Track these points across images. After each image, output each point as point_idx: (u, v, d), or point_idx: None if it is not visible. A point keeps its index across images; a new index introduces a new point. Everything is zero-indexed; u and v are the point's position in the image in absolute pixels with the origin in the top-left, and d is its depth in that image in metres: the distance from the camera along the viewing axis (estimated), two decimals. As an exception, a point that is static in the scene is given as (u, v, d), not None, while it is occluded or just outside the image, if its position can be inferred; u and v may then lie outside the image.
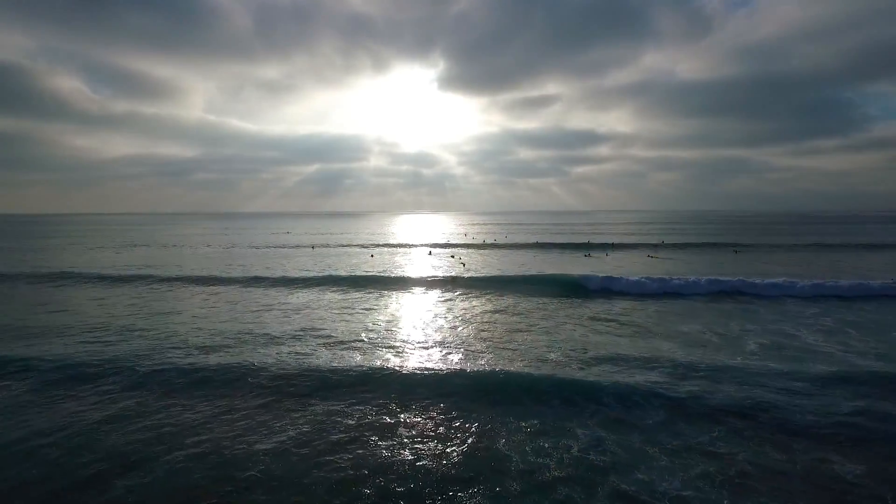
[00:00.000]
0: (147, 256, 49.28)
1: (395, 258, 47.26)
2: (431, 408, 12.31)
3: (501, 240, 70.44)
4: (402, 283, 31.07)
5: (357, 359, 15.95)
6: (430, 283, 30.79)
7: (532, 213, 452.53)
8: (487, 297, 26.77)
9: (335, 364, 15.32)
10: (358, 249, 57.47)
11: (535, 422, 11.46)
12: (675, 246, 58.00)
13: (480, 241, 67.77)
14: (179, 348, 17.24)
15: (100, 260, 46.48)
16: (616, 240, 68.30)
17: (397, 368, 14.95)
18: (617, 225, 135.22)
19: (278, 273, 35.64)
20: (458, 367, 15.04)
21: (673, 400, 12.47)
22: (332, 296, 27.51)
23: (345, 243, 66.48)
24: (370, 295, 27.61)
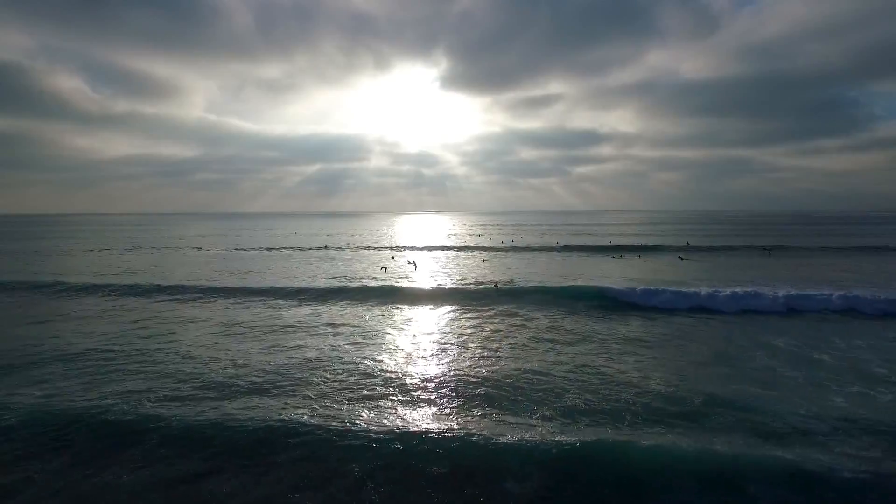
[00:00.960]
0: (152, 261, 46.94)
1: (421, 261, 45.14)
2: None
3: (518, 241, 68.30)
4: (445, 296, 27.65)
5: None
6: (471, 297, 27.46)
7: (535, 213, 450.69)
8: (545, 313, 23.38)
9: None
10: (376, 252, 55.29)
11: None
12: (702, 248, 55.98)
13: (499, 243, 65.79)
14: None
15: (102, 266, 44.40)
16: (638, 241, 66.23)
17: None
18: (630, 225, 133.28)
19: (302, 281, 33.31)
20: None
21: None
22: (374, 311, 25.07)
23: (359, 245, 64.43)
24: (419, 312, 24.29)
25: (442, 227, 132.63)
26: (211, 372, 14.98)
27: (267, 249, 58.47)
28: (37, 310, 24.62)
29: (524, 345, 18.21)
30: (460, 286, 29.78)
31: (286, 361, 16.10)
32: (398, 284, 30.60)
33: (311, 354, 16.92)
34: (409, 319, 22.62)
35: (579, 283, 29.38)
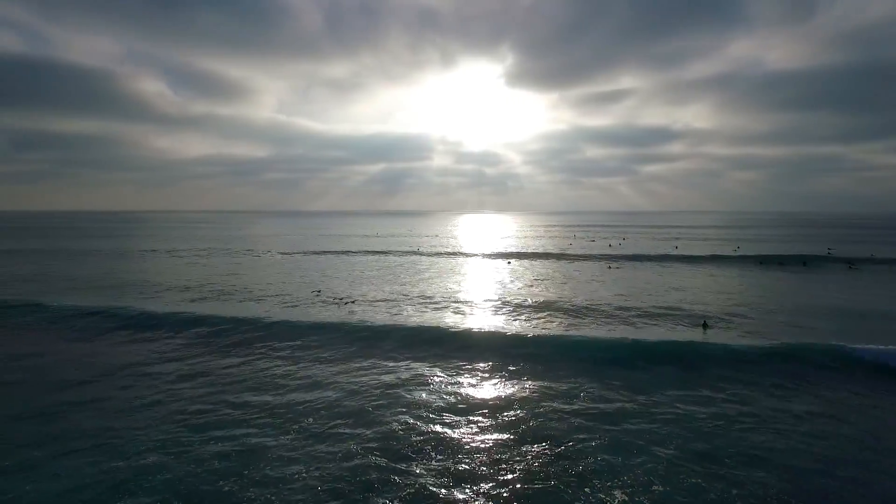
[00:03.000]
0: (284, 277, 42.90)
1: (546, 272, 38.90)
2: None
3: (626, 245, 60.33)
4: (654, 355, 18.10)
5: None
6: (686, 354, 18.03)
7: (603, 213, 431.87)
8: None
9: None
10: (486, 260, 49.61)
11: None
12: (866, 259, 46.17)
13: (607, 246, 58.64)
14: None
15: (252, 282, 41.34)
16: (762, 247, 56.48)
17: None
18: (725, 228, 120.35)
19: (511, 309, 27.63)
20: None
21: None
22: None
23: (453, 249, 59.12)
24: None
25: (518, 228, 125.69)
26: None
27: (372, 253, 54.44)
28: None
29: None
30: (657, 321, 22.35)
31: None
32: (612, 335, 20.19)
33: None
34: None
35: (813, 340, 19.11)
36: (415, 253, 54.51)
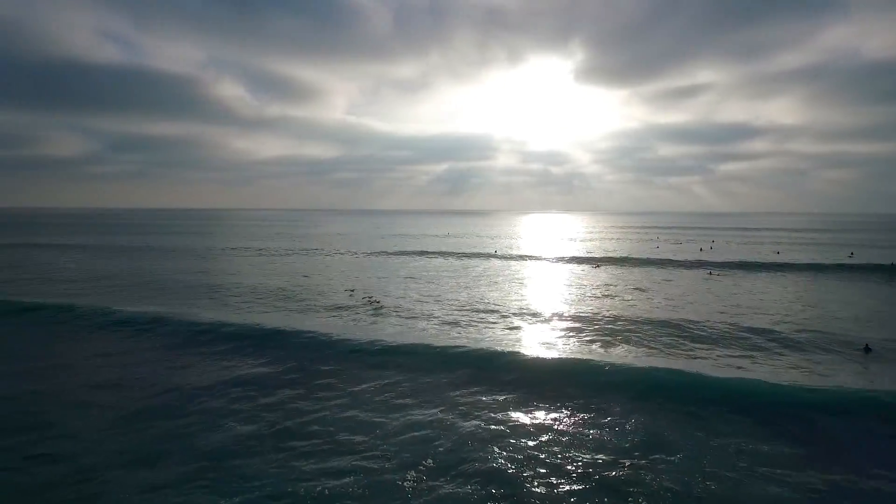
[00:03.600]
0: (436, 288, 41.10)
1: (641, 277, 36.36)
2: None
3: (718, 249, 55.69)
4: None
5: None
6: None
7: (678, 214, 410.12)
8: None
9: None
10: (571, 265, 47.34)
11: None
12: None
13: (697, 251, 54.30)
14: None
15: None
16: (884, 254, 50.04)
17: None
18: (848, 232, 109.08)
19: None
20: None
21: None
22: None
23: (530, 253, 57.20)
24: None
25: (592, 229, 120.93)
26: None
27: (446, 255, 53.47)
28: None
29: None
30: (793, 349, 18.43)
31: None
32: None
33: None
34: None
35: None
36: (492, 256, 52.91)
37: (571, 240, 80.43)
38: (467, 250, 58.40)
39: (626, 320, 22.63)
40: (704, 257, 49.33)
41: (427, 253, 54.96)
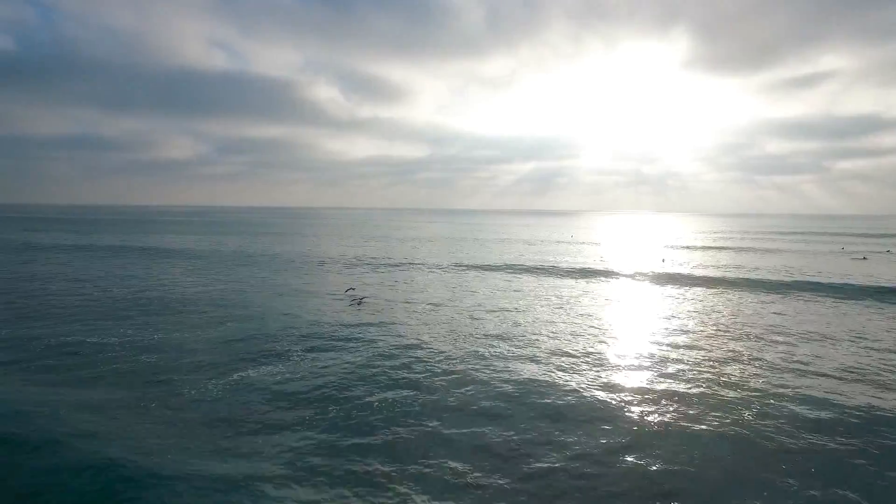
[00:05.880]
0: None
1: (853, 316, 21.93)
2: None
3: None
4: None
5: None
6: None
7: (791, 217, 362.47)
8: None
9: None
10: (736, 290, 33.12)
11: None
12: None
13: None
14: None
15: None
16: None
17: None
18: None
19: None
20: None
21: None
22: None
23: (707, 264, 43.11)
24: None
25: (710, 232, 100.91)
26: None
27: (539, 272, 41.01)
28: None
29: None
30: None
31: None
32: None
33: None
34: None
35: None
36: (602, 273, 39.13)
37: (699, 248, 63.49)
38: (562, 263, 45.34)
39: None
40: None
41: (512, 268, 42.30)
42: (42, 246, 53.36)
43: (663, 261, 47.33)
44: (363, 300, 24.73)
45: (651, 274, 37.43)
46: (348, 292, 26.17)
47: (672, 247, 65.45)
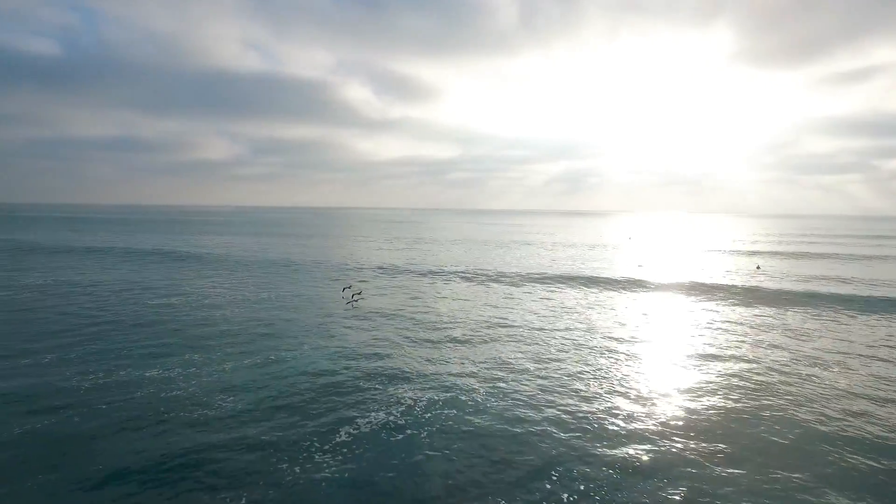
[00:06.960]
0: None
1: None
2: None
3: None
4: None
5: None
6: None
7: (838, 218, 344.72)
8: None
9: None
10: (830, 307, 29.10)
11: None
12: None
13: None
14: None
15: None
16: None
17: None
18: None
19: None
20: None
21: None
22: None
23: (813, 276, 39.02)
24: None
25: (776, 235, 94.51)
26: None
27: (595, 284, 37.69)
28: None
29: None
30: None
31: None
32: None
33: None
34: None
35: None
36: (671, 288, 35.61)
37: (784, 253, 58.80)
38: (625, 279, 41.67)
39: None
40: None
41: (556, 279, 38.85)
42: (98, 249, 52.77)
43: (757, 267, 44.79)
44: (357, 297, 24.88)
45: (742, 288, 33.44)
46: (349, 295, 25.87)
47: (740, 252, 60.58)
